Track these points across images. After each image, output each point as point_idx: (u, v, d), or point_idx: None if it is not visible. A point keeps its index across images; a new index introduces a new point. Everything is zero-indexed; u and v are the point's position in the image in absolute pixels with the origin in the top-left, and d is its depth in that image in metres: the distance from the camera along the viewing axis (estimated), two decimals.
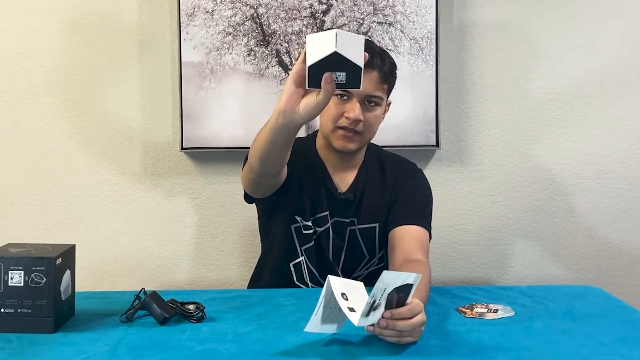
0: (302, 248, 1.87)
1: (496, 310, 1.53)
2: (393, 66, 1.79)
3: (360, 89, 1.32)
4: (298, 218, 1.85)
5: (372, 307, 1.26)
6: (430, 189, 1.92)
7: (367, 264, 1.89)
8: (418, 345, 1.32)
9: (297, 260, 1.88)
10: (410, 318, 1.28)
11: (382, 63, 1.73)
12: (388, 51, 2.31)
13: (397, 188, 1.86)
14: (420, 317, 1.30)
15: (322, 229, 1.85)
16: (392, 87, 1.82)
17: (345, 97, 1.72)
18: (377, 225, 1.86)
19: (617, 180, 2.46)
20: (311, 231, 1.85)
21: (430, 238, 1.82)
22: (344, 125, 1.73)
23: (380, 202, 1.86)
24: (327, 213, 1.84)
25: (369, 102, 1.74)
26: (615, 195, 2.46)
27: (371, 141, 1.88)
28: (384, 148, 2.00)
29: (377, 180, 1.87)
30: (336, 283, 1.31)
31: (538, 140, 2.44)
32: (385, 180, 1.87)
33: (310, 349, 1.30)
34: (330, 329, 1.36)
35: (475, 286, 1.89)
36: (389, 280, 1.25)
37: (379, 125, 1.80)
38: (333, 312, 1.33)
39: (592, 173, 2.45)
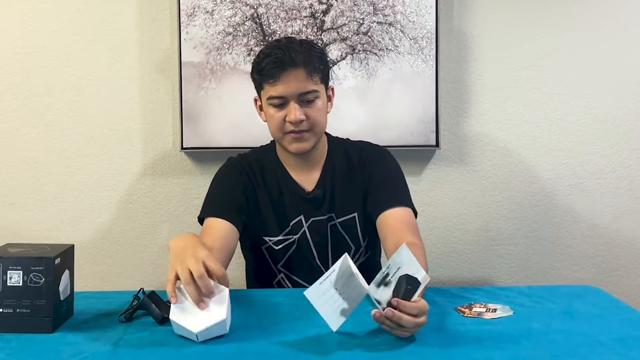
0: (278, 266, 1.87)
1: (495, 310, 1.53)
2: (319, 54, 1.76)
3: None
4: (266, 238, 1.84)
5: (383, 280, 1.30)
6: (399, 166, 1.89)
7: (354, 255, 1.89)
8: (416, 344, 1.32)
9: (277, 279, 1.89)
10: (415, 316, 1.30)
11: (304, 57, 1.70)
12: (388, 51, 2.33)
13: (367, 173, 1.84)
14: (424, 319, 1.32)
15: (298, 235, 1.84)
16: (327, 73, 1.79)
17: (282, 103, 1.72)
18: (355, 214, 1.85)
19: (617, 180, 2.46)
20: (284, 245, 1.84)
21: (416, 214, 1.81)
22: (290, 130, 1.73)
23: (353, 191, 1.84)
24: (300, 217, 1.83)
25: (306, 98, 1.72)
26: (615, 195, 2.46)
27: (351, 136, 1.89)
28: (379, 144, 1.98)
29: (344, 171, 1.86)
30: (351, 262, 1.34)
31: (538, 140, 2.44)
32: (353, 167, 1.86)
33: (310, 348, 1.30)
34: (326, 310, 1.34)
35: (474, 286, 1.89)
36: (405, 259, 1.30)
37: (325, 115, 1.79)
38: (337, 294, 1.33)
39: (592, 173, 2.45)
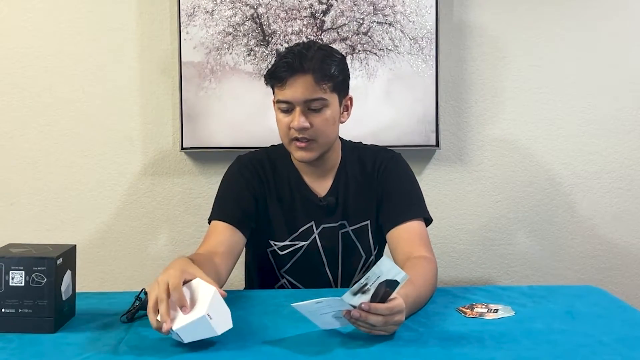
0: (282, 271, 1.85)
1: (496, 310, 1.53)
2: (336, 62, 1.70)
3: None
4: (271, 242, 1.82)
5: (361, 289, 1.29)
6: (412, 173, 1.86)
7: (364, 264, 1.88)
8: (418, 344, 1.32)
9: (279, 284, 1.87)
10: (386, 316, 1.29)
11: (316, 64, 1.65)
12: (388, 51, 2.33)
13: (381, 182, 1.81)
14: (398, 318, 1.32)
15: (307, 242, 1.81)
16: (341, 82, 1.72)
17: (288, 109, 1.69)
18: (368, 222, 1.83)
19: (617, 180, 2.46)
20: (289, 250, 1.82)
21: (430, 220, 1.80)
22: (295, 137, 1.70)
23: (367, 198, 1.82)
24: (311, 223, 1.81)
25: (312, 106, 1.68)
26: (615, 195, 2.47)
27: (362, 140, 1.88)
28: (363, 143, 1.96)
29: (358, 178, 1.83)
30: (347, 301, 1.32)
31: (538, 140, 2.44)
32: (367, 174, 1.83)
33: (310, 349, 1.30)
34: (314, 316, 1.35)
35: (475, 286, 1.89)
36: (385, 268, 1.28)
37: (334, 126, 1.73)
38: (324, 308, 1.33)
39: (592, 173, 2.46)
